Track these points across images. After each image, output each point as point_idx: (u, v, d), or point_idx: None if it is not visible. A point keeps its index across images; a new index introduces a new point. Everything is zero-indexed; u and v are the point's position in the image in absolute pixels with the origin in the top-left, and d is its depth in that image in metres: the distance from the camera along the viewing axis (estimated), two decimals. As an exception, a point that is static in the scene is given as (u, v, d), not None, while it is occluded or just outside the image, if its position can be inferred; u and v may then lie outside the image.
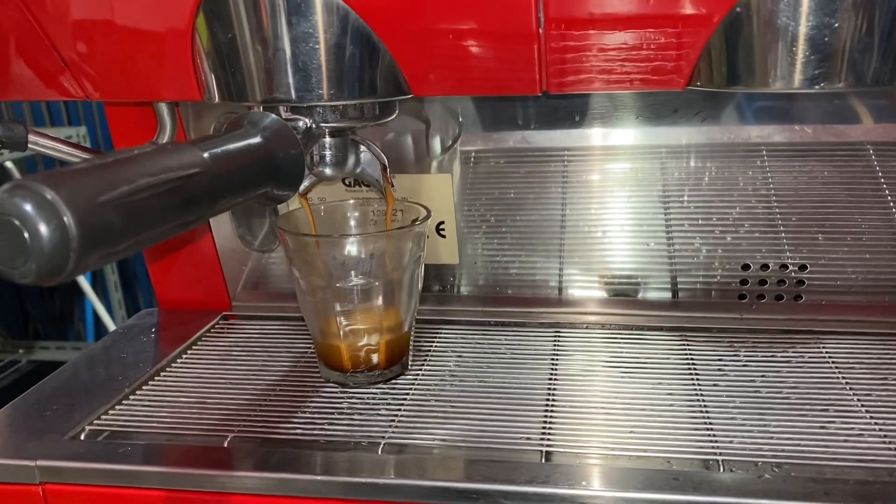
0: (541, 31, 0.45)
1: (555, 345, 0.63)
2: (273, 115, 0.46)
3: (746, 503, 0.42)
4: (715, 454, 0.47)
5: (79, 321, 2.14)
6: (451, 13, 0.45)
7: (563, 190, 0.67)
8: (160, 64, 0.50)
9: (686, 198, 0.66)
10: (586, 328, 0.66)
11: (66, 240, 0.30)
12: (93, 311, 2.00)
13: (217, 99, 0.50)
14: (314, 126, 0.51)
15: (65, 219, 0.30)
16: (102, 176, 0.33)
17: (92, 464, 0.48)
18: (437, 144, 0.67)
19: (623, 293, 0.68)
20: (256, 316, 0.71)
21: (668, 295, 0.68)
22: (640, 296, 0.68)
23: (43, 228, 0.30)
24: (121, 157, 0.35)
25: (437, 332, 0.66)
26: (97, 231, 0.32)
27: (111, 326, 1.85)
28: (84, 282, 1.88)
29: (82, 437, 0.52)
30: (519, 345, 0.63)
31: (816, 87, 0.44)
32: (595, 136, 0.66)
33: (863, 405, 0.52)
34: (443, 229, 0.68)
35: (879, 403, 0.52)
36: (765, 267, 0.65)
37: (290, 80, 0.48)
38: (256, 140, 0.43)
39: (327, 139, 0.54)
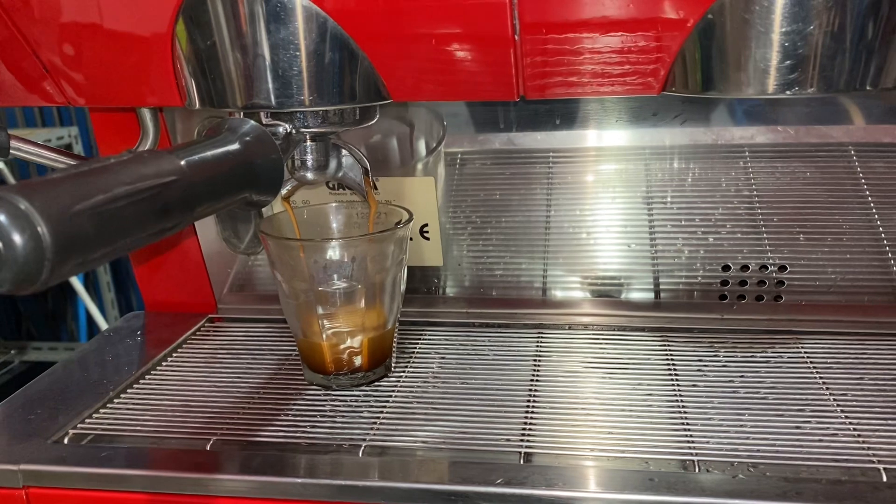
0: (516, 37, 0.45)
1: (538, 346, 0.64)
2: (252, 122, 0.46)
3: (720, 503, 0.43)
4: (691, 454, 0.47)
5: (72, 321, 2.14)
6: (428, 20, 0.46)
7: (548, 191, 0.68)
8: (141, 70, 0.50)
9: (669, 199, 0.67)
10: (569, 329, 0.67)
11: (40, 249, 0.31)
12: (86, 312, 2.00)
13: (198, 105, 0.51)
14: (294, 131, 0.51)
15: (38, 229, 0.31)
16: (77, 185, 0.34)
17: (75, 468, 0.49)
18: (421, 147, 0.67)
19: (606, 294, 0.69)
20: (242, 318, 0.71)
21: (651, 296, 0.68)
22: (622, 296, 0.69)
23: (17, 238, 0.30)
24: (96, 166, 0.35)
25: (422, 334, 0.67)
26: (72, 240, 0.32)
27: (104, 326, 1.85)
28: (77, 282, 1.88)
29: (66, 440, 0.52)
30: (502, 346, 0.64)
31: (788, 92, 0.44)
32: (579, 137, 0.66)
33: (839, 405, 0.52)
34: (427, 232, 0.69)
35: (855, 403, 0.52)
36: (745, 268, 0.66)
37: (270, 86, 0.48)
38: (235, 146, 0.44)
39: (308, 143, 0.55)
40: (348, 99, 0.50)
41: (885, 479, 0.44)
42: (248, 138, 0.45)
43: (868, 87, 0.44)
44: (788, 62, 0.43)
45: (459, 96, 0.50)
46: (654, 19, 0.44)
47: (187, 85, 0.51)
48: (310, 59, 0.48)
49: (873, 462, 0.46)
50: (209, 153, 0.42)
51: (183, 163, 0.39)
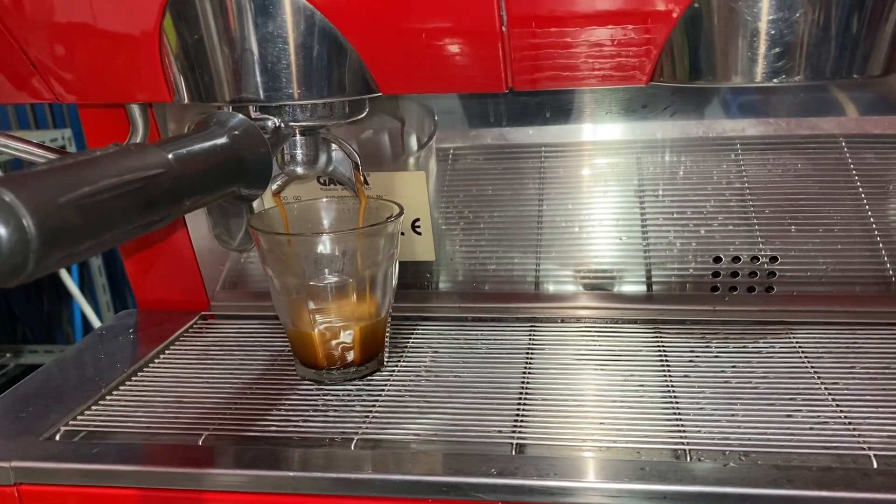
0: (504, 29, 0.45)
1: (530, 339, 0.64)
2: (240, 115, 0.46)
3: (710, 491, 0.43)
4: (683, 444, 0.47)
5: (67, 324, 2.14)
6: (415, 13, 0.45)
7: (540, 186, 0.68)
8: (129, 65, 0.50)
9: (661, 192, 0.67)
10: (562, 322, 0.67)
11: (24, 241, 0.31)
12: (81, 314, 2.00)
13: (186, 99, 0.51)
14: (283, 125, 0.51)
15: (24, 221, 0.31)
16: (63, 177, 0.34)
17: (66, 464, 0.48)
18: (412, 142, 0.67)
19: (598, 287, 0.69)
20: (235, 315, 0.71)
21: (643, 288, 0.68)
22: (615, 289, 0.69)
23: (1, 230, 0.30)
24: (82, 159, 0.35)
25: (415, 328, 0.66)
26: (57, 232, 0.32)
27: (99, 329, 1.84)
28: (72, 284, 1.87)
29: (57, 437, 0.52)
30: (495, 339, 0.64)
31: (775, 80, 0.44)
32: (570, 132, 0.66)
33: (830, 394, 0.52)
34: (418, 226, 0.69)
35: (846, 392, 0.52)
36: (736, 259, 0.66)
37: (258, 79, 0.48)
38: (223, 140, 0.44)
39: (298, 138, 0.55)
40: (337, 92, 0.50)
41: (875, 465, 0.45)
42: (235, 132, 0.45)
43: (855, 75, 0.44)
44: (775, 50, 0.44)
45: (448, 89, 0.51)
46: (641, 10, 0.44)
47: (176, 80, 0.51)
48: (298, 52, 0.48)
49: (864, 449, 0.46)
50: (196, 146, 0.42)
51: (170, 156, 0.39)
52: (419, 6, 0.46)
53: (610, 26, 0.44)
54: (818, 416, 0.50)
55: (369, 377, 0.59)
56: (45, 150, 0.55)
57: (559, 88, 0.55)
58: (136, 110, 0.59)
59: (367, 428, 0.51)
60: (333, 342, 0.57)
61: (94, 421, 0.54)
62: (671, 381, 0.55)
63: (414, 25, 0.46)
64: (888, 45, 0.44)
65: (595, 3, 0.44)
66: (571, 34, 0.45)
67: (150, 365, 0.62)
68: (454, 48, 0.47)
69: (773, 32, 0.43)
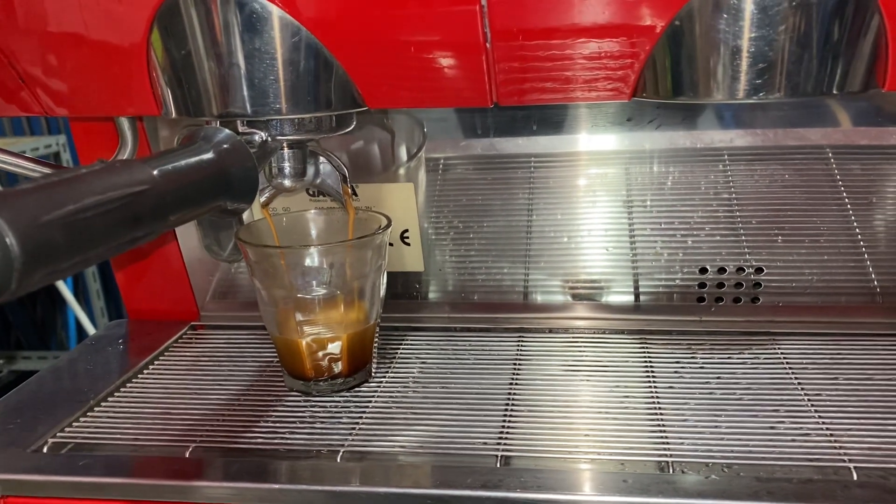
0: (488, 44, 0.46)
1: (518, 350, 0.64)
2: (227, 130, 0.47)
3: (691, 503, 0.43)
4: (667, 456, 0.48)
5: (61, 330, 2.14)
6: (400, 28, 0.46)
7: (529, 196, 0.68)
8: (117, 79, 0.51)
9: (649, 202, 0.67)
10: (549, 332, 0.67)
11: (8, 260, 0.31)
12: (75, 320, 2.00)
13: (174, 114, 0.51)
14: (270, 139, 0.51)
15: (6, 239, 0.31)
16: (47, 195, 0.34)
17: (53, 476, 0.49)
18: (402, 153, 0.68)
19: (587, 297, 0.70)
20: (224, 326, 0.71)
21: (630, 299, 0.69)
22: (602, 300, 0.69)
23: (-16, 249, 0.30)
24: (66, 176, 0.35)
25: (403, 339, 0.67)
26: (41, 250, 0.32)
27: (92, 335, 1.84)
28: (66, 290, 1.87)
29: (45, 449, 0.52)
30: (483, 350, 0.64)
31: (756, 97, 0.45)
32: (560, 142, 0.67)
33: (812, 405, 0.53)
34: (407, 237, 0.69)
35: (828, 403, 0.53)
36: (722, 270, 0.66)
37: (245, 94, 0.49)
38: (208, 155, 0.44)
39: (286, 151, 0.55)
40: (324, 107, 0.50)
41: (855, 477, 0.45)
42: (221, 147, 0.45)
43: (834, 91, 0.45)
44: (756, 67, 0.44)
45: (434, 103, 0.51)
46: (623, 25, 0.45)
47: (163, 94, 0.51)
48: (284, 67, 0.48)
49: (844, 461, 0.46)
50: (182, 162, 0.42)
51: (155, 172, 0.39)
52: (403, 22, 0.46)
53: (593, 41, 0.45)
54: (800, 428, 0.50)
55: (357, 388, 0.59)
56: (33, 163, 0.56)
57: (543, 103, 0.55)
58: (125, 123, 0.59)
59: (353, 440, 0.51)
60: (321, 353, 0.57)
61: (81, 433, 0.54)
62: (656, 392, 0.56)
63: (398, 41, 0.47)
64: (866, 61, 0.44)
65: (578, 18, 0.44)
66: (555, 49, 0.46)
67: (139, 376, 0.62)
68: (439, 63, 0.47)
69: (753, 50, 0.44)
